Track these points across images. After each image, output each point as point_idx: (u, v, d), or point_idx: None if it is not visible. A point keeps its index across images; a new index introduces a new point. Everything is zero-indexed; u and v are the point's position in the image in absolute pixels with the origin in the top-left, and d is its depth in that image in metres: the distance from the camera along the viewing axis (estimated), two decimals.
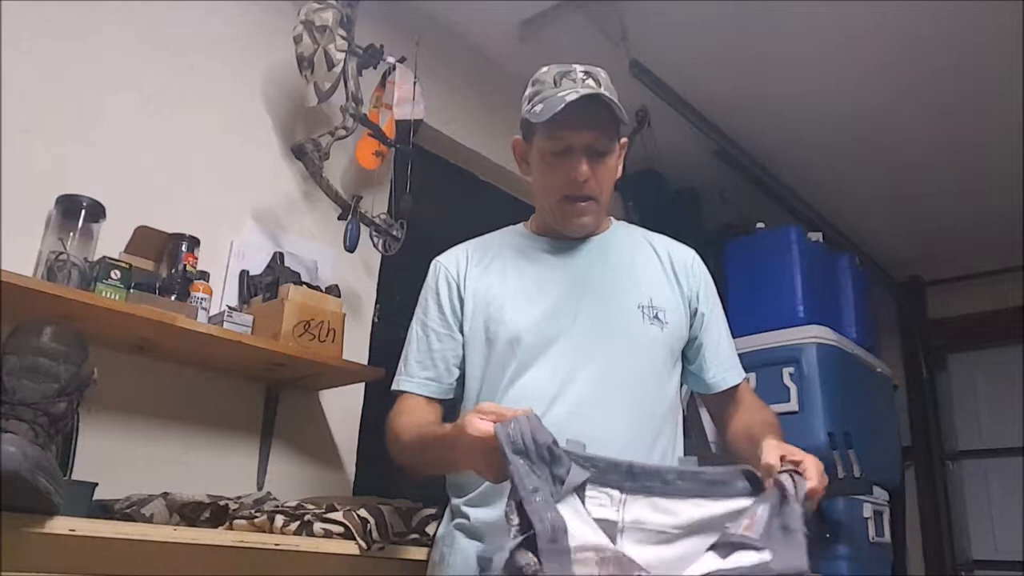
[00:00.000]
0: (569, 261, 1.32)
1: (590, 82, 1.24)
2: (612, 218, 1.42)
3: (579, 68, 1.25)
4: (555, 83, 1.24)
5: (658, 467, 1.00)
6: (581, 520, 0.92)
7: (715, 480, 0.98)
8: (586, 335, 1.24)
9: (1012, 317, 3.76)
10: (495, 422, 0.95)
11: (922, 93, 2.81)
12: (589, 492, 0.98)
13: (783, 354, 2.75)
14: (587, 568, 0.87)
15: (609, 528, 0.95)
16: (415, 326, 1.36)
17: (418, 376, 1.31)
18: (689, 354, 1.35)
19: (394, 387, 1.33)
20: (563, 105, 1.19)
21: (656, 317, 1.26)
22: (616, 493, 0.99)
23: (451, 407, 1.34)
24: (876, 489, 2.83)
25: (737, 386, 1.35)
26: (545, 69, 1.28)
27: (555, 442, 0.94)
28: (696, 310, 1.33)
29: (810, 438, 2.63)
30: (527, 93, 1.30)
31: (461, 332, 1.32)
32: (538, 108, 1.23)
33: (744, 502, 0.96)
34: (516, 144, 1.36)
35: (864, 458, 2.67)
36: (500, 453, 0.92)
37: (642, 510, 0.98)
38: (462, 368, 1.32)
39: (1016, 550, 3.56)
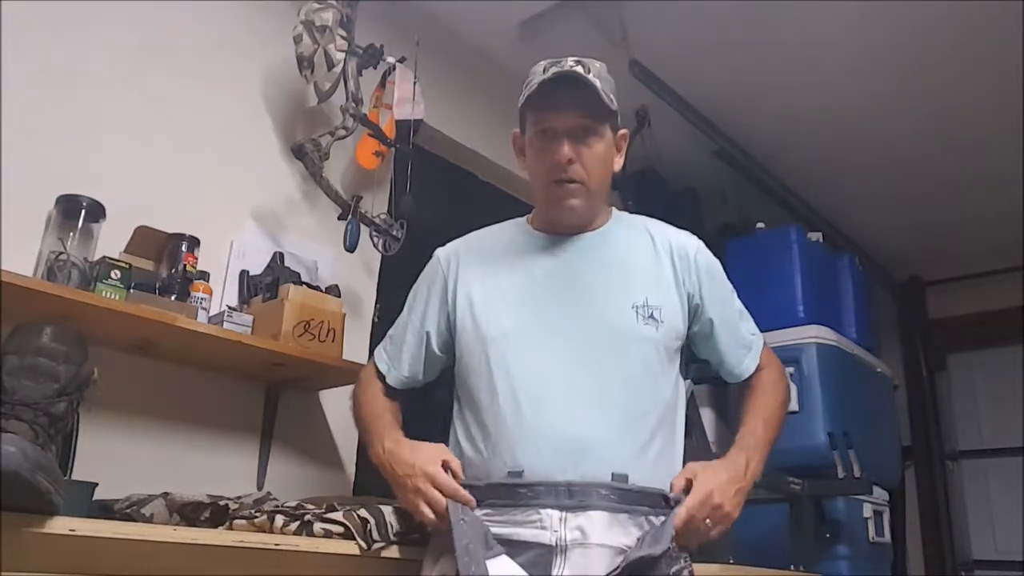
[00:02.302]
0: (564, 258, 1.32)
1: (579, 69, 1.25)
2: (614, 209, 1.41)
3: (571, 58, 1.27)
4: (543, 72, 1.27)
5: (595, 483, 1.13)
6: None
7: (641, 499, 1.15)
8: (577, 335, 1.23)
9: (1012, 317, 3.76)
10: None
11: (922, 93, 2.81)
12: (528, 515, 1.13)
13: (783, 354, 2.71)
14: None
15: (544, 556, 1.10)
16: (404, 309, 1.43)
17: (385, 355, 1.41)
18: (705, 349, 1.36)
19: (374, 353, 1.44)
20: (537, 85, 1.24)
21: (651, 316, 1.25)
22: (556, 513, 1.12)
23: (440, 404, 1.39)
24: (876, 489, 2.83)
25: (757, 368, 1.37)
26: (541, 63, 1.30)
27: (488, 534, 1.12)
28: (698, 306, 1.32)
29: (810, 438, 2.63)
30: (524, 84, 1.32)
31: (440, 337, 1.36)
32: (524, 95, 1.28)
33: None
34: (515, 138, 1.38)
35: (864, 458, 2.67)
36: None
37: (584, 524, 1.11)
38: (435, 363, 1.38)
39: (1016, 550, 3.56)
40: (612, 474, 1.15)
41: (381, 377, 1.39)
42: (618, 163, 1.34)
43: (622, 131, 1.35)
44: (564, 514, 1.12)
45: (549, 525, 1.12)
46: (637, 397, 1.22)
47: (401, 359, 1.38)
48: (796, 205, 3.39)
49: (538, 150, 1.29)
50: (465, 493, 1.15)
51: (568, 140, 1.25)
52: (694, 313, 1.32)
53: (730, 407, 1.35)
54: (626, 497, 1.15)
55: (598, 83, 1.24)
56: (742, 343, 1.37)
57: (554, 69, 1.25)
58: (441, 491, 1.15)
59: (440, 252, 1.42)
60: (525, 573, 1.08)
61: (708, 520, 1.13)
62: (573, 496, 1.12)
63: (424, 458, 1.18)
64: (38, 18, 1.66)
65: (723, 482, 1.16)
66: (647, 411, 1.22)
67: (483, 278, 1.33)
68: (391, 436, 1.25)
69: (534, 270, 1.32)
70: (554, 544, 1.11)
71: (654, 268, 1.31)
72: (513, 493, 1.15)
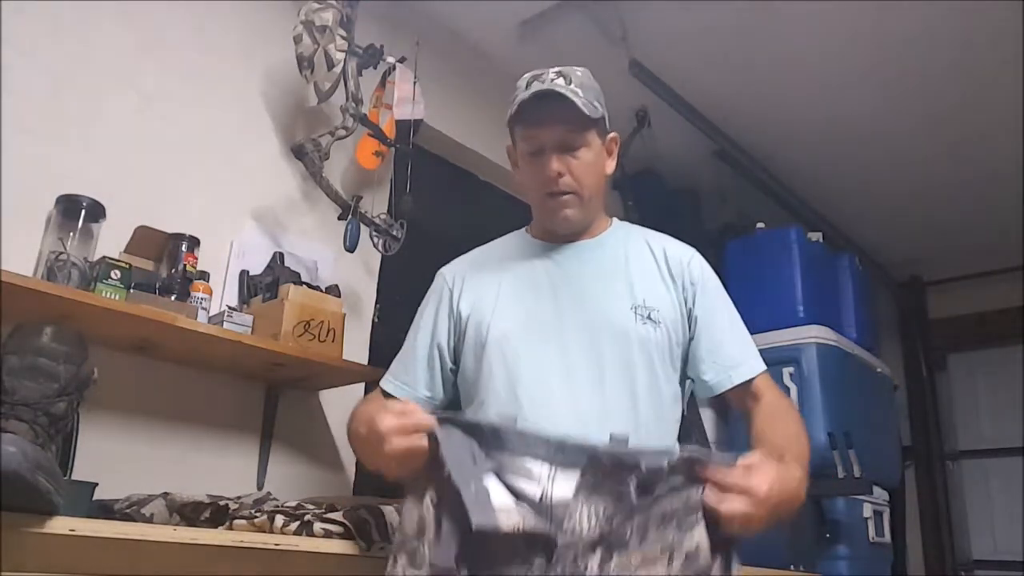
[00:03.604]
0: (563, 263, 1.33)
1: (559, 81, 1.25)
2: (615, 219, 1.42)
3: (552, 70, 1.27)
4: (526, 87, 1.27)
5: (592, 444, 1.01)
6: (502, 491, 1.01)
7: (646, 464, 0.98)
8: (577, 335, 1.24)
9: (1012, 317, 3.76)
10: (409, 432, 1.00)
11: (922, 93, 2.81)
12: (516, 462, 1.02)
13: (783, 354, 2.75)
14: (511, 519, 0.97)
15: (533, 507, 1.00)
16: (411, 330, 1.40)
17: (398, 379, 1.35)
18: (689, 357, 1.32)
19: (380, 383, 1.38)
20: (516, 105, 1.25)
21: (649, 318, 1.25)
22: (545, 466, 1.02)
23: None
24: (876, 489, 2.83)
25: (750, 382, 1.28)
26: (525, 76, 1.30)
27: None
28: (690, 311, 1.31)
29: (810, 438, 2.62)
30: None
31: (451, 352, 1.34)
32: (511, 111, 1.28)
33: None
34: (509, 150, 1.40)
35: (864, 458, 2.67)
36: (434, 457, 0.99)
37: (569, 483, 0.99)
38: (449, 379, 1.35)
39: (1016, 550, 3.56)
40: (611, 435, 1.06)
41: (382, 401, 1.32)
42: (610, 166, 1.36)
43: (612, 134, 1.35)
44: (553, 469, 1.02)
45: (538, 476, 1.02)
46: (636, 397, 1.22)
47: (417, 378, 1.34)
48: (796, 205, 3.39)
49: (528, 165, 1.31)
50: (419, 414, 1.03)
51: (555, 154, 1.26)
52: (689, 318, 1.31)
53: (731, 412, 1.32)
54: (625, 459, 1.00)
55: (580, 92, 1.24)
56: (730, 352, 1.30)
57: (535, 85, 1.25)
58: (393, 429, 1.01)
59: (444, 269, 1.43)
60: (512, 500, 0.99)
61: (748, 513, 0.94)
62: (566, 452, 1.02)
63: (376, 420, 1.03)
64: (38, 18, 1.66)
65: (785, 481, 0.97)
66: (647, 411, 1.22)
67: (485, 285, 1.34)
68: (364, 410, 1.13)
69: (534, 274, 1.33)
70: (540, 499, 1.01)
71: (652, 273, 1.32)
72: (502, 438, 1.05)
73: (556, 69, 1.27)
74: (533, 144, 1.28)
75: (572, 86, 1.25)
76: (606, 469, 0.96)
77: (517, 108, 1.26)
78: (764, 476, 0.95)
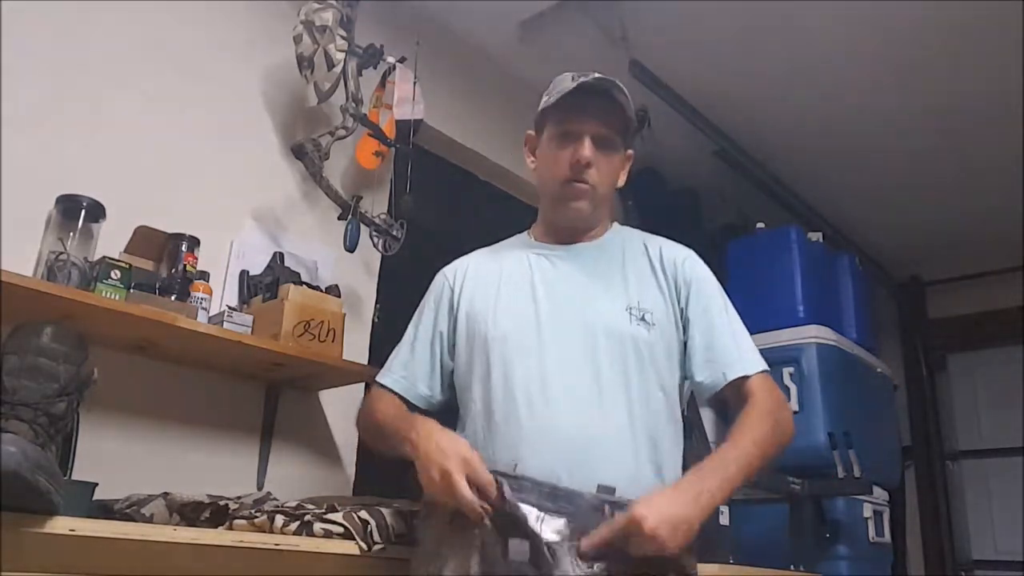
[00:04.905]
0: (561, 264, 1.34)
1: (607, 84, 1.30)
2: (615, 223, 1.44)
3: (595, 74, 1.31)
4: (571, 80, 1.31)
5: (578, 492, 1.13)
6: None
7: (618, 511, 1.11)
8: (573, 339, 1.25)
9: (1012, 317, 3.76)
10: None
11: (922, 93, 2.81)
12: (508, 506, 1.14)
13: (783, 354, 2.75)
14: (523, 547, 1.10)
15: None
16: (409, 327, 1.42)
17: (396, 374, 1.38)
18: (686, 357, 1.32)
19: (377, 378, 1.40)
20: (576, 84, 1.28)
21: (643, 319, 1.26)
22: (535, 511, 1.12)
23: (445, 410, 1.38)
24: (876, 489, 2.83)
25: (745, 381, 1.26)
26: (567, 73, 1.33)
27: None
28: (683, 311, 1.32)
29: (810, 438, 2.63)
30: (545, 92, 1.35)
31: (450, 348, 1.36)
32: (553, 97, 1.31)
33: None
34: (528, 138, 1.42)
35: (864, 458, 2.68)
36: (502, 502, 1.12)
37: (557, 529, 1.11)
38: (447, 378, 1.37)
39: (1016, 550, 3.56)
40: (599, 485, 1.13)
41: (394, 395, 1.36)
42: (622, 179, 1.39)
43: (629, 152, 1.39)
44: (542, 514, 1.11)
45: (526, 520, 1.11)
46: (632, 397, 1.22)
47: (417, 375, 1.36)
48: (796, 205, 3.39)
49: (555, 150, 1.32)
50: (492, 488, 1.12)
51: (591, 144, 1.29)
52: (681, 319, 1.32)
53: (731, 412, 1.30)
54: (608, 510, 1.12)
55: (628, 101, 1.30)
56: (722, 351, 1.29)
57: (587, 77, 1.29)
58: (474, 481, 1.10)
59: (445, 269, 1.45)
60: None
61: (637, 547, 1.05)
62: (556, 500, 1.12)
63: (462, 446, 1.13)
64: (38, 18, 1.66)
65: (662, 517, 1.04)
66: (644, 411, 1.23)
67: (485, 286, 1.36)
68: (424, 425, 1.19)
69: (533, 275, 1.34)
70: (528, 538, 1.10)
71: (647, 274, 1.34)
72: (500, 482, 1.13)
73: (598, 75, 1.30)
74: (568, 130, 1.30)
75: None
76: (587, 516, 1.10)
77: (572, 91, 1.28)
78: (617, 529, 1.06)
